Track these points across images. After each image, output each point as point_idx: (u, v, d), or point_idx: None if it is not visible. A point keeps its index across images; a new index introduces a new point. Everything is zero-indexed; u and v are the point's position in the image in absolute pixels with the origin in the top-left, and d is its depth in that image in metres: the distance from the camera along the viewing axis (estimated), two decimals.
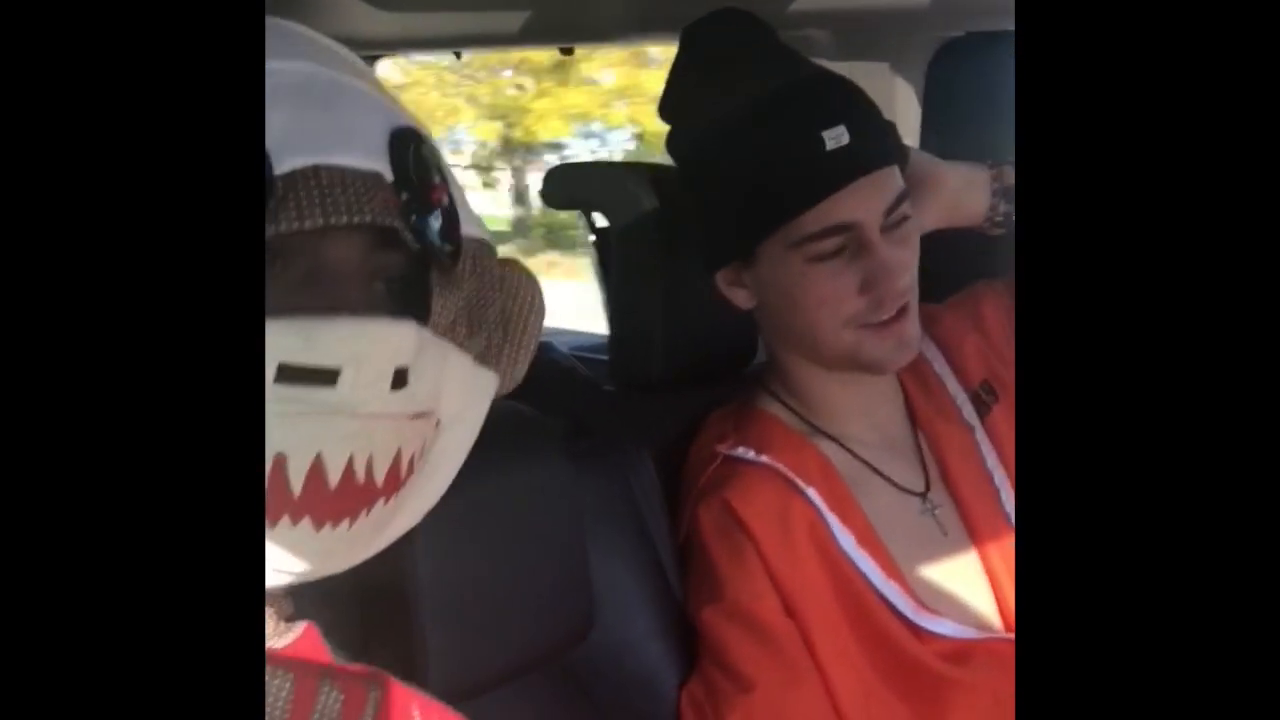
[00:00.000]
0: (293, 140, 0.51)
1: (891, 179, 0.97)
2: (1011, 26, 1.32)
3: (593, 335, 1.65)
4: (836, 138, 0.93)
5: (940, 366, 1.10)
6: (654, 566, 1.03)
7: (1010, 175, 1.07)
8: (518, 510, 0.82)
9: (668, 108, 1.05)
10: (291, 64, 0.54)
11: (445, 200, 0.57)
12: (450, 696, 0.68)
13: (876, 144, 0.97)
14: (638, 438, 1.08)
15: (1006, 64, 1.38)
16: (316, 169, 0.52)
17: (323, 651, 0.62)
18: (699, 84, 1.01)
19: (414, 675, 0.66)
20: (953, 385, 1.09)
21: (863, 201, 0.94)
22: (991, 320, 1.11)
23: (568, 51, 1.72)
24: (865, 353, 0.98)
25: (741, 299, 1.03)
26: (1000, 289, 1.13)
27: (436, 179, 0.57)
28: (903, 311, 0.97)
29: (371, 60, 1.88)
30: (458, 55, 1.97)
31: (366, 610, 0.72)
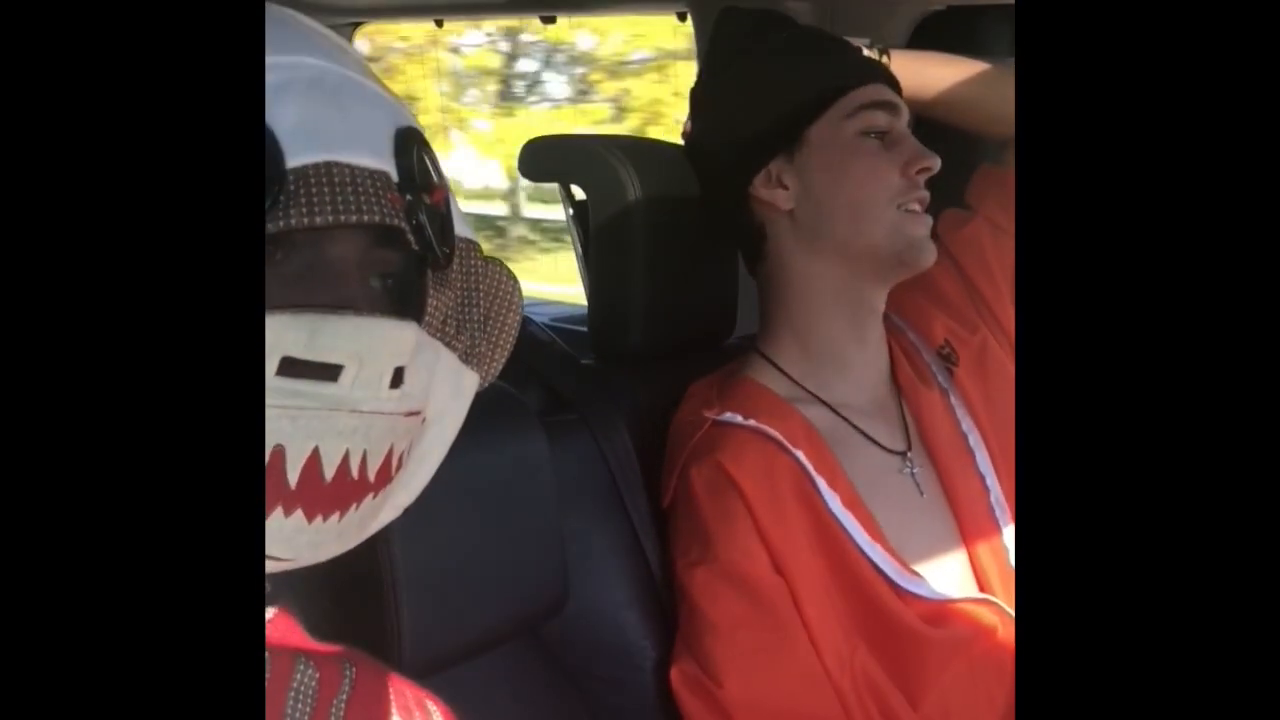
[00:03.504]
0: (305, 135, 0.52)
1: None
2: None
3: (572, 306, 1.66)
4: (868, 50, 1.11)
5: (912, 336, 1.13)
6: (629, 537, 1.04)
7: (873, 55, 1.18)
8: (491, 483, 0.83)
9: (698, 91, 1.14)
10: (304, 59, 0.55)
11: (444, 202, 0.58)
12: (425, 669, 0.68)
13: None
14: (615, 410, 1.09)
15: (986, 37, 1.39)
16: (329, 165, 0.52)
17: (296, 633, 0.62)
18: (734, 28, 1.13)
19: (388, 650, 0.67)
20: (925, 353, 1.12)
21: (896, 99, 1.07)
22: (939, 278, 1.13)
23: (549, 20, 1.71)
24: (905, 232, 1.02)
25: (782, 199, 1.06)
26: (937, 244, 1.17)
27: (436, 180, 0.57)
28: (925, 207, 1.04)
29: (352, 28, 1.87)
30: (439, 24, 1.95)
31: (340, 586, 0.73)
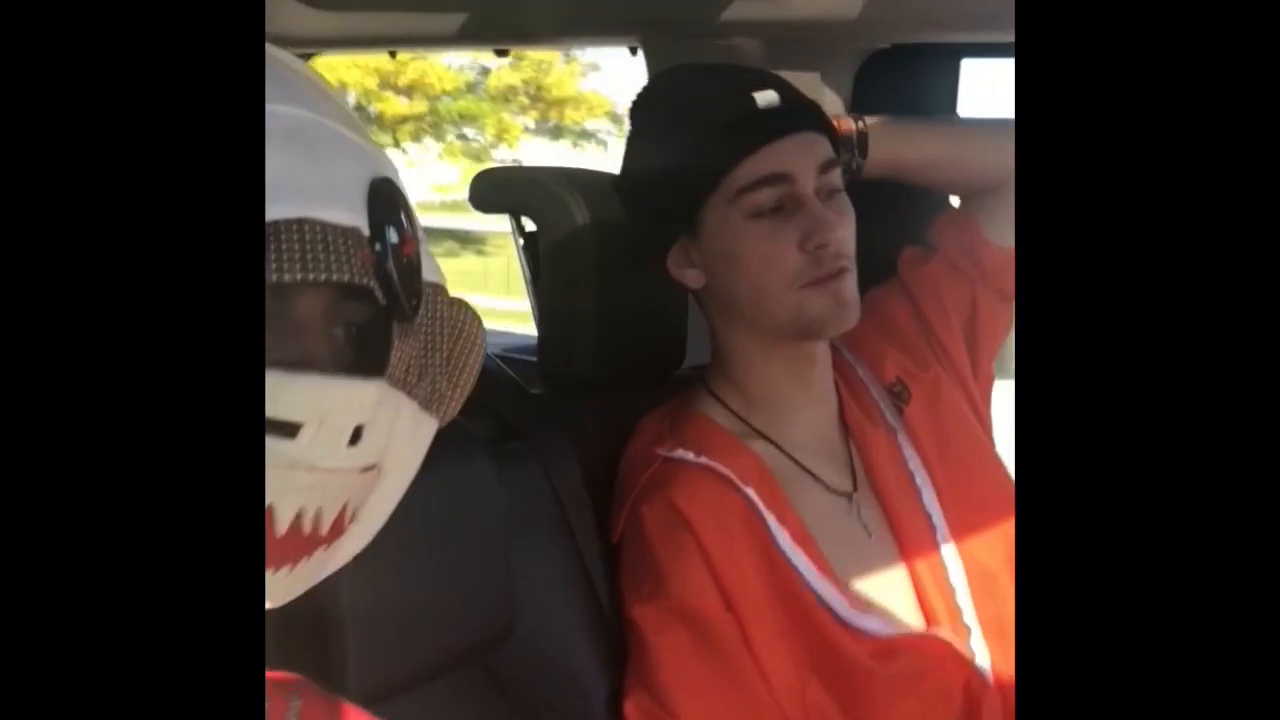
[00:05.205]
0: (279, 189, 0.51)
1: (823, 145, 1.02)
2: (932, 39, 1.35)
3: (521, 337, 1.66)
4: (767, 100, 0.99)
5: (863, 372, 1.13)
6: (578, 566, 1.04)
7: (850, 125, 1.13)
8: (439, 511, 0.83)
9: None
10: (281, 108, 0.54)
11: (414, 254, 0.57)
12: (371, 697, 0.68)
13: (806, 110, 1.03)
14: (563, 439, 1.09)
15: (929, 76, 1.42)
16: (301, 222, 0.52)
17: None
18: (638, 103, 1.08)
19: (334, 678, 0.66)
20: (875, 390, 1.12)
21: (795, 156, 0.99)
22: (894, 313, 1.14)
23: (502, 53, 1.73)
24: (808, 311, 0.99)
25: (692, 278, 1.05)
26: (894, 282, 1.17)
27: (407, 230, 0.57)
28: (842, 272, 0.99)
29: (305, 59, 1.86)
30: (392, 55, 1.96)
31: (286, 612, 0.72)
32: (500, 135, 10.84)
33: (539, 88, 10.37)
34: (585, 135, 11.39)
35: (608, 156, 10.71)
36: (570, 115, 11.01)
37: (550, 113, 10.81)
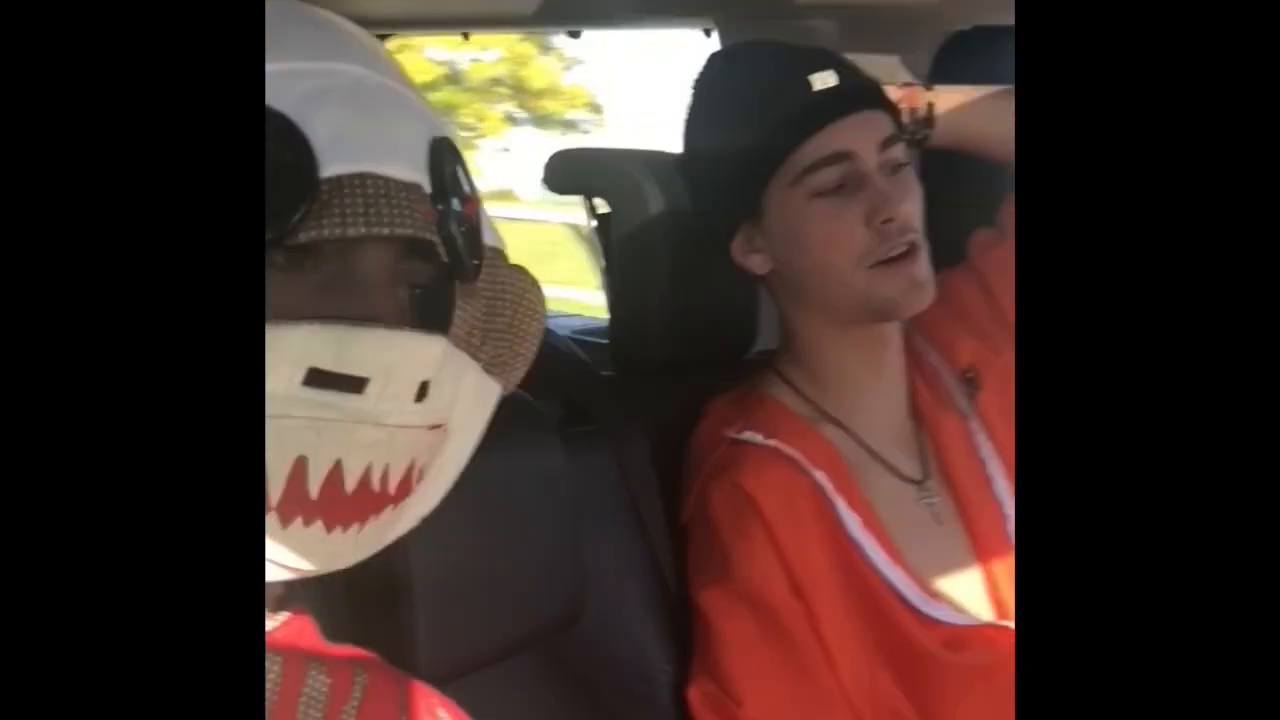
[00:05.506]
0: (341, 145, 0.52)
1: (883, 121, 1.01)
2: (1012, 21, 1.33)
3: (590, 319, 1.67)
4: (824, 80, 0.98)
5: (935, 358, 1.11)
6: (646, 549, 1.04)
7: (921, 97, 1.11)
8: (510, 493, 0.83)
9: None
10: (344, 66, 0.54)
11: (475, 214, 0.58)
12: (439, 677, 0.68)
13: (865, 87, 1.02)
14: (633, 423, 1.09)
15: (1008, 58, 1.38)
16: (363, 177, 0.52)
17: (313, 635, 0.62)
18: (697, 85, 1.07)
19: (403, 656, 0.67)
20: (947, 376, 1.10)
21: (855, 134, 0.98)
22: (967, 298, 1.12)
23: (575, 35, 1.72)
24: (879, 293, 0.98)
25: (758, 264, 1.04)
26: (965, 266, 1.15)
27: (468, 191, 0.57)
28: (912, 249, 0.98)
29: (380, 40, 1.88)
30: (465, 36, 1.97)
31: (357, 590, 0.73)
32: (480, 124, 10.98)
33: (517, 79, 10.49)
34: (569, 125, 11.52)
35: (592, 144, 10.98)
36: (549, 106, 11.10)
37: (529, 103, 10.92)
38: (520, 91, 10.75)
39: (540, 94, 10.95)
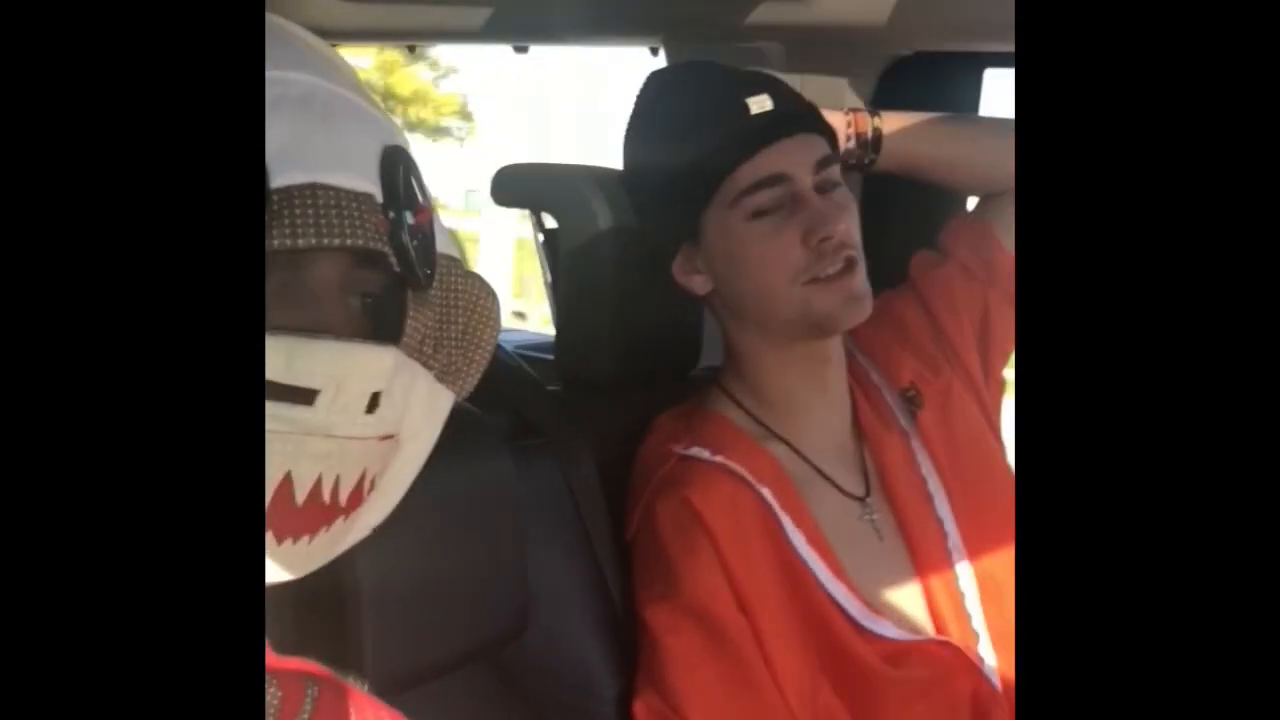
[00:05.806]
0: (291, 155, 0.52)
1: (818, 143, 1.02)
2: (957, 48, 1.35)
3: (535, 335, 1.67)
4: (760, 104, 1.00)
5: (877, 376, 1.13)
6: (591, 564, 1.04)
7: (867, 123, 1.12)
8: (456, 505, 0.83)
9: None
10: (295, 75, 0.54)
11: (428, 222, 0.57)
12: (385, 689, 0.68)
13: (801, 111, 1.03)
14: (580, 437, 1.09)
15: (952, 85, 1.41)
16: (314, 187, 0.52)
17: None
18: (635, 108, 1.08)
19: (350, 668, 0.67)
20: (889, 394, 1.12)
21: (792, 157, 1.00)
22: (908, 318, 1.14)
23: (522, 50, 1.73)
24: (815, 308, 0.99)
25: (699, 284, 1.05)
26: (906, 286, 1.17)
27: (421, 200, 0.57)
28: (849, 265, 0.99)
29: None
30: (411, 49, 1.96)
31: (304, 604, 0.73)
32: None
33: (385, 86, 10.59)
34: (440, 131, 11.67)
35: (462, 150, 11.50)
36: (419, 113, 11.21)
37: (398, 110, 11.05)
38: (388, 98, 10.82)
39: (408, 100, 11.02)
